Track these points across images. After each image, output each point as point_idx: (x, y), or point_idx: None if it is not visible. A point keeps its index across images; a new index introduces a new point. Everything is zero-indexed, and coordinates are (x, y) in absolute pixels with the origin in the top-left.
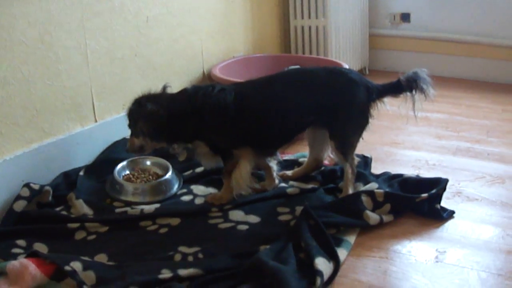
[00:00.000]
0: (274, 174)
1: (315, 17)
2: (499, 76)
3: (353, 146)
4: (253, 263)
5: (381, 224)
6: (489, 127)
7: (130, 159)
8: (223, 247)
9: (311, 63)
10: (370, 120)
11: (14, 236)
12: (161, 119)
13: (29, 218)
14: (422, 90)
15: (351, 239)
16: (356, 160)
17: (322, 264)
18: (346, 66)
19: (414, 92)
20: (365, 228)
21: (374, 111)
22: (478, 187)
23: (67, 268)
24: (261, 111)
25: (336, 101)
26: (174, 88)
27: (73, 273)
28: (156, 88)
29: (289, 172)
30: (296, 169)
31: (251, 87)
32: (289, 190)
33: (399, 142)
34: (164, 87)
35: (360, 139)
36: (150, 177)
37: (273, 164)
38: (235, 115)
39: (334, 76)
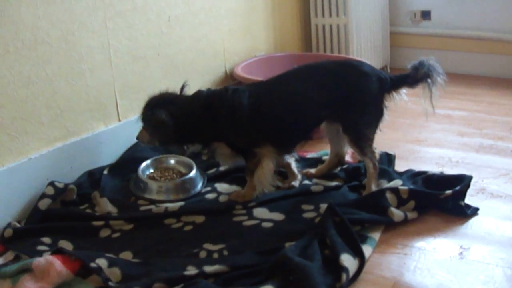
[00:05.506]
0: (295, 169)
1: (336, 15)
2: None
3: (369, 138)
4: (279, 259)
5: (405, 221)
6: None
7: (154, 158)
8: (248, 244)
9: None
10: (385, 111)
11: (39, 234)
12: (169, 128)
13: (54, 216)
14: (435, 80)
15: (376, 236)
16: (377, 154)
17: (348, 260)
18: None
19: (430, 82)
20: (389, 225)
21: (389, 103)
22: (502, 184)
23: (92, 264)
24: (275, 109)
25: (347, 93)
26: (196, 87)
27: (99, 269)
28: (177, 86)
29: (312, 170)
30: (320, 167)
31: (264, 86)
32: (313, 188)
33: (422, 139)
34: (182, 87)
35: (378, 131)
36: (174, 175)
37: (292, 161)
38: (250, 115)
39: (345, 69)
